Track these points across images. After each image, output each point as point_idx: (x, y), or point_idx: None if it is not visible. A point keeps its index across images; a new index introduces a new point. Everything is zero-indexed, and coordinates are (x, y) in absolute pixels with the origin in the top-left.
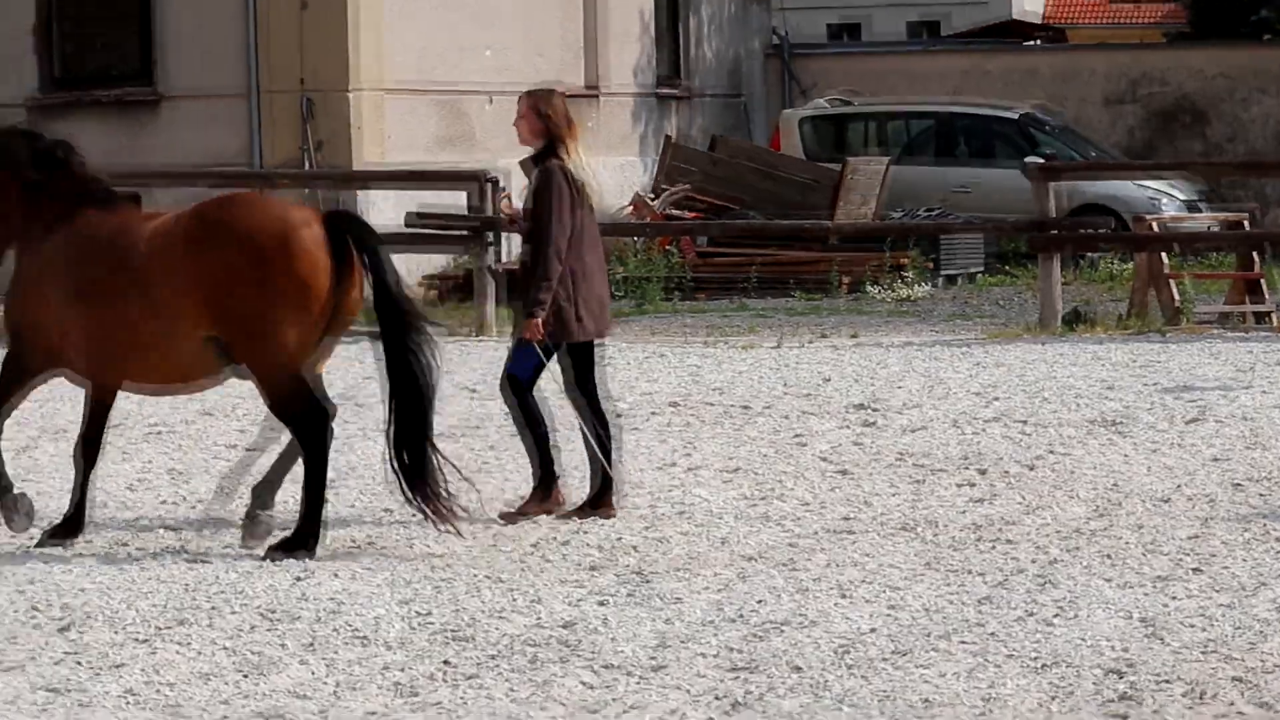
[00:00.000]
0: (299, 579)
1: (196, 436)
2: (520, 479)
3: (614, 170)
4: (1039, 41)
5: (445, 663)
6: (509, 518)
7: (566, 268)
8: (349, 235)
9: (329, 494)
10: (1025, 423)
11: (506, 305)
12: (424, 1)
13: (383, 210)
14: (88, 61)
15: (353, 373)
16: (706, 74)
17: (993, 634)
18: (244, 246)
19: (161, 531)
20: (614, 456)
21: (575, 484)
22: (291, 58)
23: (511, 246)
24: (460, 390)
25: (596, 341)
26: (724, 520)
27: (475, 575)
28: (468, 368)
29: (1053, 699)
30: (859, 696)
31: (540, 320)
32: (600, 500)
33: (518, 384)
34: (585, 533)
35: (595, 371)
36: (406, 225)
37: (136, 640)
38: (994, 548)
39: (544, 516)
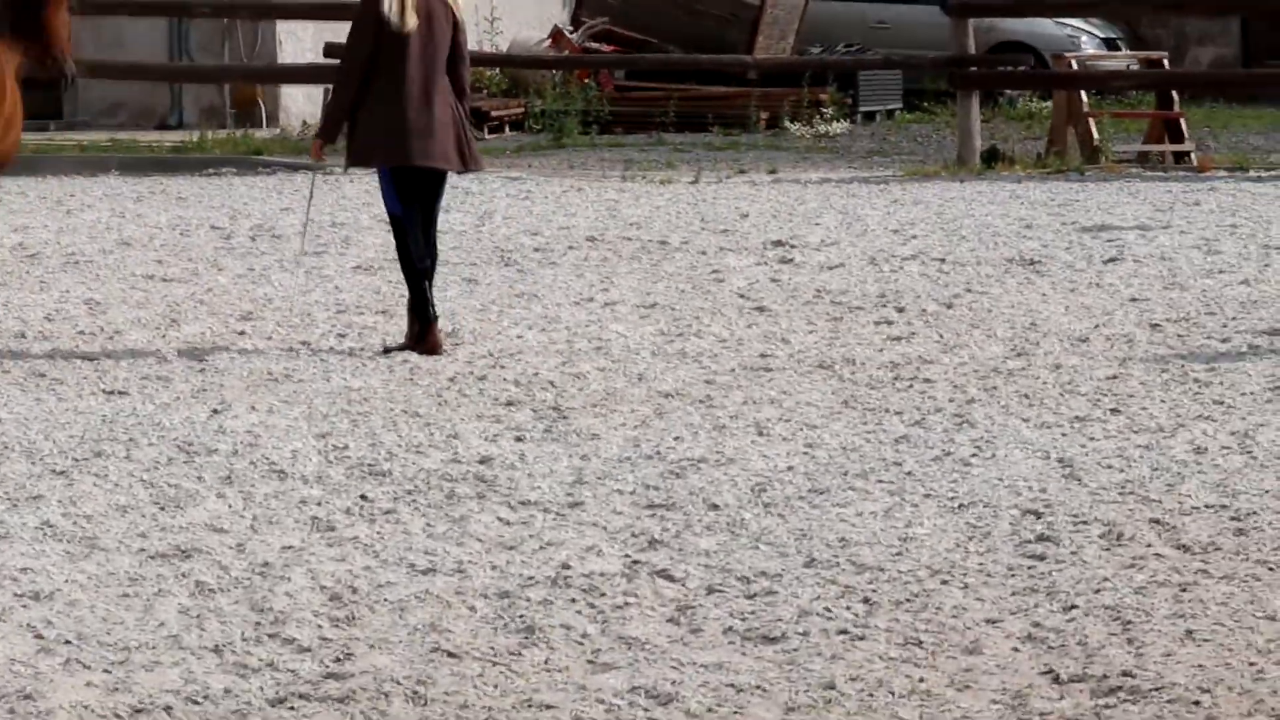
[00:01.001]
0: (215, 412)
1: (114, 266)
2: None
3: (533, 3)
4: None
5: (362, 497)
6: (388, 351)
7: (362, 93)
8: None
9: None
10: (943, 261)
11: None
12: None
13: (301, 40)
14: None
15: (270, 204)
16: None
17: (910, 473)
18: None
19: (79, 362)
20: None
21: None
22: None
23: None
24: (378, 222)
25: (458, 171)
26: (641, 357)
27: (392, 410)
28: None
29: (969, 539)
30: (775, 535)
31: (318, 143)
32: (425, 336)
33: (393, 219)
34: (502, 368)
35: (436, 203)
36: (325, 56)
37: (54, 472)
38: (911, 386)
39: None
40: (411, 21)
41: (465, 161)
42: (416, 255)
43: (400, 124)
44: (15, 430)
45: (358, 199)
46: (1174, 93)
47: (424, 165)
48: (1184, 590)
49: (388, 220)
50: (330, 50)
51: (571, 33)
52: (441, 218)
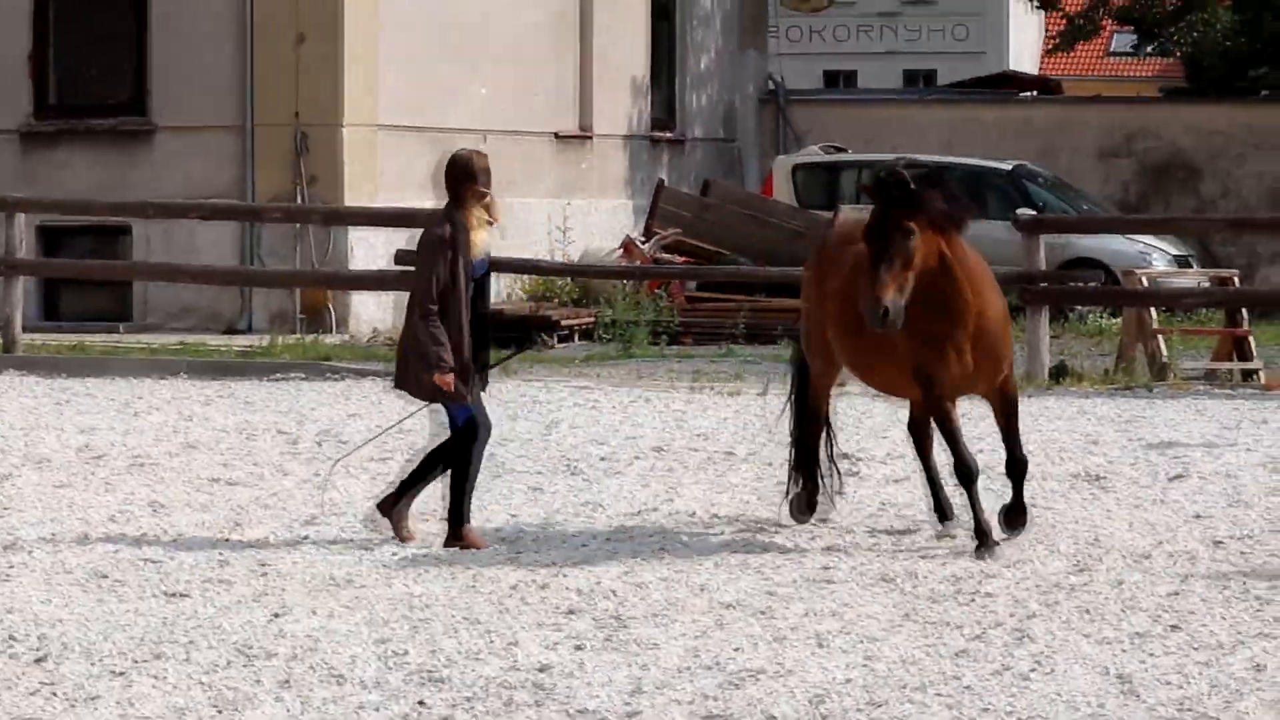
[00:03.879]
0: (276, 615)
1: (179, 469)
2: (501, 523)
3: (605, 213)
4: (1034, 93)
5: (419, 704)
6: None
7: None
8: None
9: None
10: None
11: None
12: (419, 39)
13: (373, 246)
14: (81, 90)
15: (337, 410)
16: (700, 119)
17: (968, 687)
18: None
19: (141, 564)
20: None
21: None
22: (286, 91)
23: (501, 286)
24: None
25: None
26: (703, 567)
27: (452, 616)
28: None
29: None
30: None
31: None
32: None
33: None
34: (564, 576)
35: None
36: (396, 263)
37: (112, 673)
38: (972, 601)
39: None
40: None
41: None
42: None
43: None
44: (75, 630)
45: (408, 407)
46: (1243, 310)
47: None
48: None
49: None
50: (401, 258)
51: (643, 243)
52: (508, 425)
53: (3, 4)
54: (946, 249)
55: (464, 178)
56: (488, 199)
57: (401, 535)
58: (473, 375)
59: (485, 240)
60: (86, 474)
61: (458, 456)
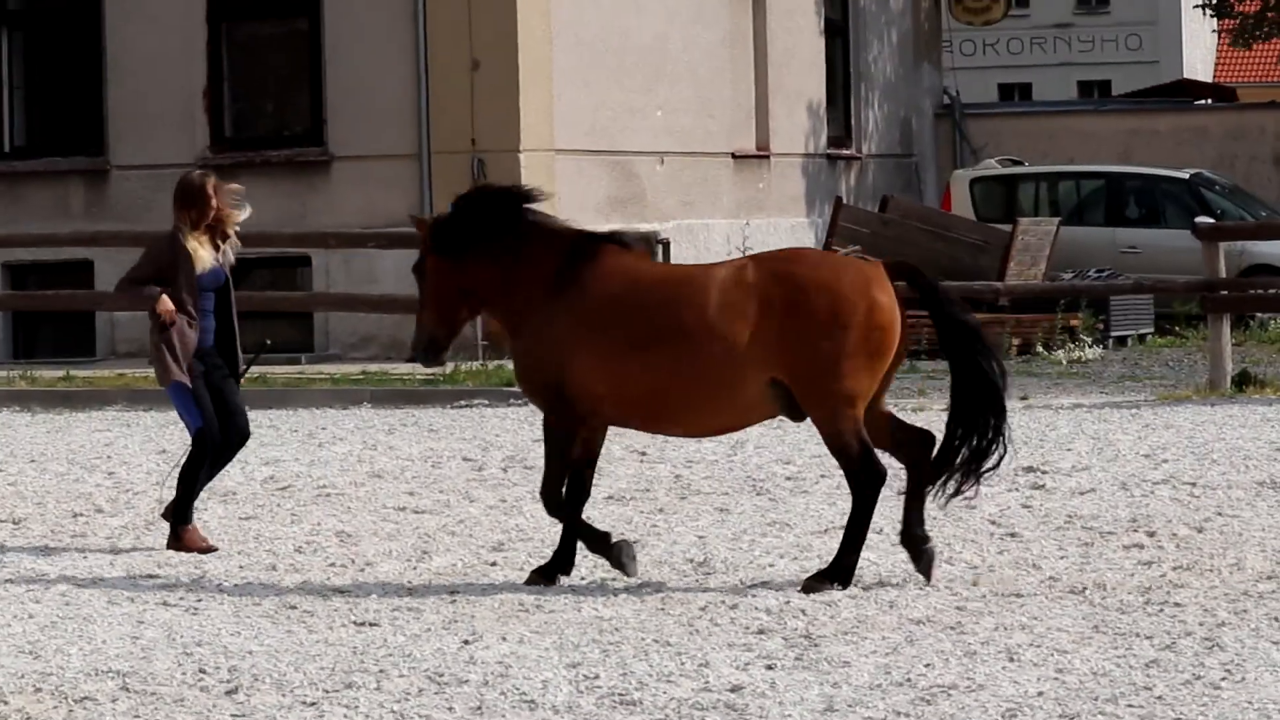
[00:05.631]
0: (466, 642)
1: (365, 498)
2: (689, 545)
3: (783, 232)
4: (1209, 101)
5: None
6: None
7: None
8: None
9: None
10: (1194, 485)
11: None
12: (594, 62)
13: None
14: (258, 122)
15: (523, 435)
16: (877, 135)
17: (1160, 698)
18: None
19: (330, 594)
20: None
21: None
22: (462, 118)
23: None
24: (630, 453)
25: None
26: (892, 583)
27: (643, 638)
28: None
29: None
30: None
31: None
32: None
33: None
34: (753, 595)
35: None
36: None
37: (304, 704)
38: (1162, 611)
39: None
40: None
41: None
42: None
43: None
44: (266, 662)
45: (612, 433)
46: None
47: None
48: None
49: (640, 451)
50: None
51: None
52: (693, 446)
53: (178, 41)
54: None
55: (178, 204)
56: (219, 215)
57: (200, 548)
58: (199, 376)
59: (209, 256)
60: (273, 506)
61: (192, 459)
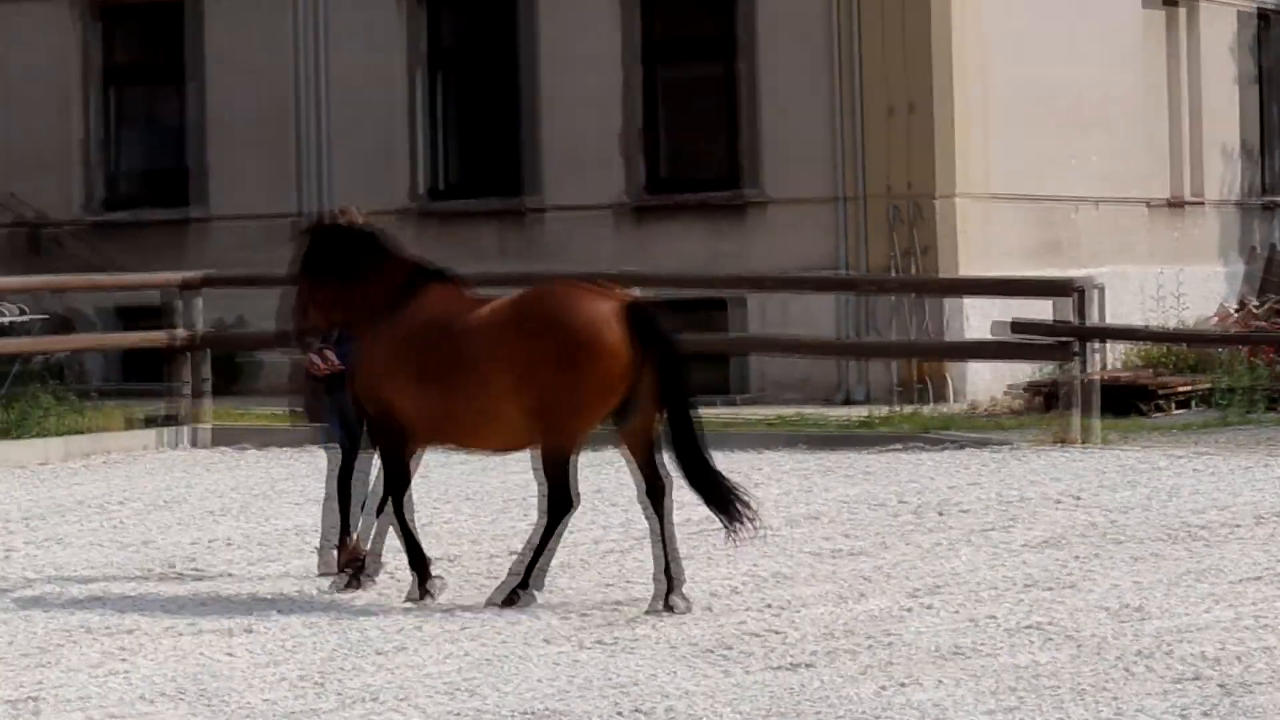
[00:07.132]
0: (901, 685)
1: (800, 540)
2: (1125, 590)
3: (1202, 280)
4: None
5: None
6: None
7: None
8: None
9: None
10: None
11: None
12: (1020, 110)
13: (988, 314)
14: (681, 166)
15: (956, 479)
16: None
17: None
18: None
19: (764, 635)
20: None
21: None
22: (880, 163)
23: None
24: (1046, 500)
25: None
26: None
27: (1078, 683)
28: (1050, 477)
29: None
30: None
31: None
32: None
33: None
34: (1185, 641)
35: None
36: (991, 335)
37: None
38: None
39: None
40: None
41: None
42: None
43: None
44: (702, 703)
45: (1026, 476)
46: None
47: None
48: None
49: (1055, 497)
50: (1018, 326)
51: (1237, 310)
52: (1111, 495)
53: (605, 84)
54: None
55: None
56: None
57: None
58: None
59: None
60: (708, 547)
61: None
